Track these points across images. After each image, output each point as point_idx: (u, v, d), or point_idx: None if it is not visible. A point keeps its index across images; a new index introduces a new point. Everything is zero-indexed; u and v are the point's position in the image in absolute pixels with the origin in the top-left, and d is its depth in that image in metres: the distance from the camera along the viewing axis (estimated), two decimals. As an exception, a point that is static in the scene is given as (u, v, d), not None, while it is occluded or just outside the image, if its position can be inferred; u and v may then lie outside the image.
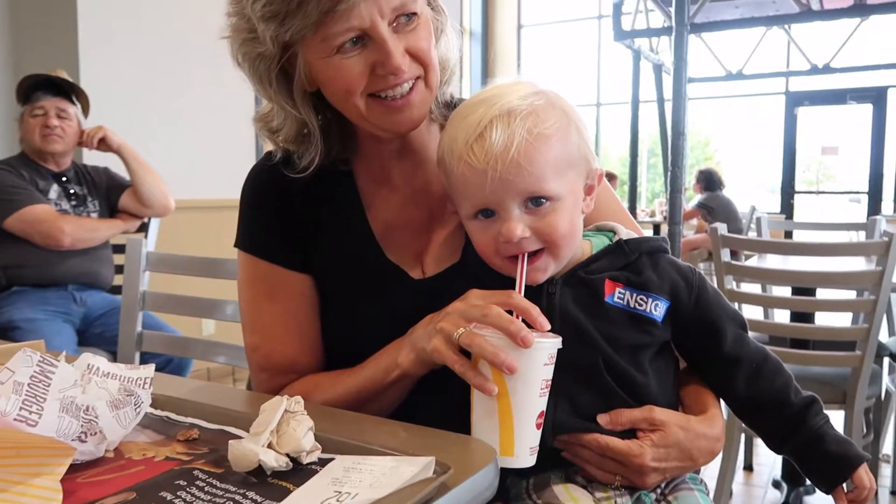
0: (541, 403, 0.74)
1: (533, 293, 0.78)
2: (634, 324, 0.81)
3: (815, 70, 7.82)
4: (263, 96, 0.92)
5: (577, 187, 0.83)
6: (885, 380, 2.60)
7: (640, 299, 0.81)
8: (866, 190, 8.72)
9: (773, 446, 0.87)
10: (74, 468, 0.63)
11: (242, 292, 1.00)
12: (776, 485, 2.61)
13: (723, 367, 0.85)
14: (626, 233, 0.87)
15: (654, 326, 0.81)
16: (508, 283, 0.79)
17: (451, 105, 0.97)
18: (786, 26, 7.73)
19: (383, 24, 0.81)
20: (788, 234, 6.95)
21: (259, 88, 0.90)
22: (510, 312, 0.74)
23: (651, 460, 0.78)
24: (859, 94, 8.66)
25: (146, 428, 0.76)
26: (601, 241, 0.87)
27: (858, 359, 2.04)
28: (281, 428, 0.64)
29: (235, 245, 1.00)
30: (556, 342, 0.73)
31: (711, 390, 0.88)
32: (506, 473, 0.79)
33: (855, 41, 7.62)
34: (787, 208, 8.93)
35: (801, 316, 2.46)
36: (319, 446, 0.66)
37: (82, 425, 0.65)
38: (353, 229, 0.97)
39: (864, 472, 0.81)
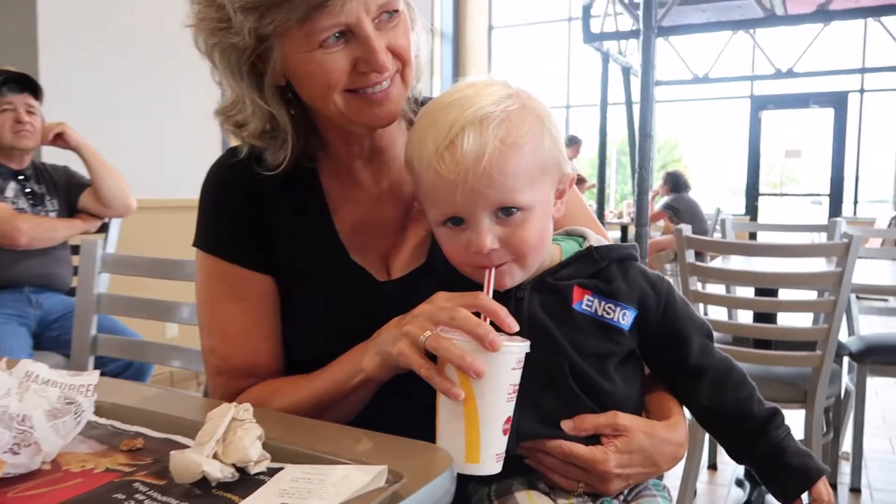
0: (508, 409, 0.72)
1: (501, 298, 0.76)
2: (601, 332, 0.80)
3: (779, 74, 7.97)
4: (232, 89, 0.88)
5: (549, 194, 0.81)
6: (845, 379, 2.65)
7: (608, 307, 0.80)
8: (827, 192, 8.91)
9: (735, 456, 0.86)
10: (5, 482, 0.59)
11: (200, 293, 0.97)
12: (739, 483, 2.64)
13: (688, 376, 0.85)
14: (595, 239, 0.86)
15: (621, 335, 0.80)
16: (476, 287, 0.78)
17: (420, 102, 0.95)
18: (751, 31, 7.87)
19: (368, 20, 0.79)
20: (752, 236, 7.07)
21: (229, 80, 0.87)
22: (478, 315, 0.73)
23: (615, 467, 0.77)
24: (821, 99, 8.85)
25: (89, 438, 0.73)
26: (571, 247, 0.86)
27: (819, 358, 2.07)
28: (227, 437, 0.62)
29: (194, 244, 0.97)
30: (524, 346, 0.72)
31: (675, 398, 0.87)
32: (467, 479, 0.78)
33: (817, 46, 7.78)
34: (752, 210, 9.09)
35: (764, 316, 2.50)
36: (268, 455, 0.64)
37: (15, 436, 0.61)
38: (318, 230, 0.94)
39: (822, 485, 0.80)
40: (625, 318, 0.80)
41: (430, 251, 0.95)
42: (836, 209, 8.71)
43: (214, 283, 0.95)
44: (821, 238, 6.25)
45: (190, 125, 3.70)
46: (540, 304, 0.80)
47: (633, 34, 6.22)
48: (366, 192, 0.97)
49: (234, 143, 0.98)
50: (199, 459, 0.58)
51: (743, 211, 9.05)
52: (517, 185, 0.75)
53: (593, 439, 0.79)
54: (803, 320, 3.06)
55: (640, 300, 0.81)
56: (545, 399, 0.78)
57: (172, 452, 0.60)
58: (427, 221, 0.85)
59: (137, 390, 0.93)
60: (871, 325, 4.57)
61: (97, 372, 0.75)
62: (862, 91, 8.79)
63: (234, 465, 0.60)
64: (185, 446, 0.69)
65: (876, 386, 3.81)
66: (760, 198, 9.31)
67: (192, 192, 1.02)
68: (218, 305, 0.95)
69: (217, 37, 0.83)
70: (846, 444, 2.77)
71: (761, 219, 8.81)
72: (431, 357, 0.73)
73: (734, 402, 0.83)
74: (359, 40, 0.80)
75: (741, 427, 0.84)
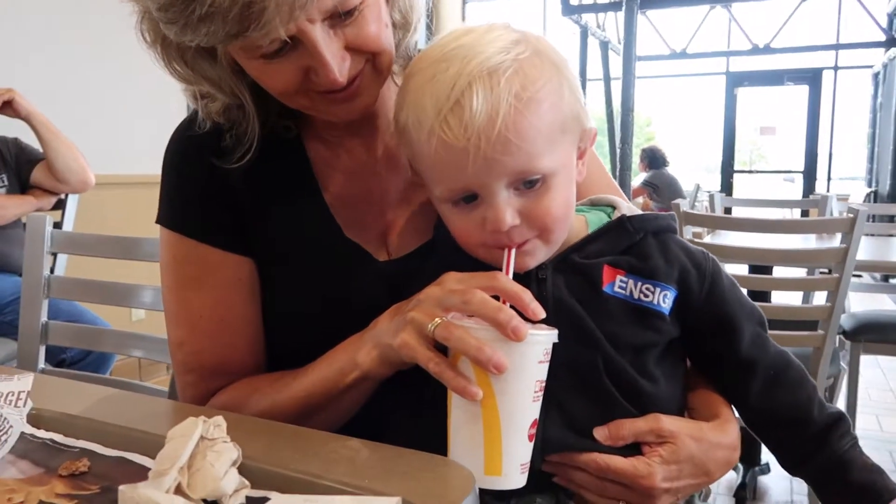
0: (534, 410, 0.60)
1: (520, 279, 0.64)
2: (638, 318, 0.67)
3: (755, 50, 7.93)
4: (176, 78, 0.74)
5: (572, 156, 0.69)
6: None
7: (646, 289, 0.67)
8: (801, 169, 8.92)
9: (789, 467, 0.74)
10: None
11: (166, 277, 0.83)
12: (731, 465, 2.58)
13: (737, 371, 0.72)
14: (627, 208, 0.73)
15: (662, 321, 0.68)
16: (487, 268, 0.65)
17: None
18: (728, 6, 7.80)
19: (314, 27, 0.64)
20: (728, 211, 7.06)
21: (169, 71, 0.73)
22: (496, 299, 0.60)
23: (662, 480, 0.65)
24: (796, 76, 8.82)
25: (22, 458, 0.59)
26: (598, 218, 0.73)
27: (821, 338, 1.99)
28: (195, 463, 0.48)
29: (158, 221, 0.83)
30: (552, 334, 0.60)
31: (721, 394, 0.75)
32: (483, 493, 0.66)
33: (794, 22, 7.75)
34: (727, 187, 9.08)
35: (757, 295, 2.42)
36: (247, 483, 0.50)
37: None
38: (303, 203, 0.81)
39: None
40: (665, 300, 0.68)
41: (435, 227, 0.82)
42: (809, 186, 8.73)
43: (181, 266, 0.81)
44: (794, 214, 6.25)
45: (152, 93, 3.47)
46: (565, 287, 0.67)
47: (613, 6, 6.10)
48: (358, 160, 0.84)
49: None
50: (157, 497, 0.45)
51: (719, 187, 9.04)
52: (537, 149, 0.63)
53: (632, 449, 0.67)
54: (792, 299, 3.00)
55: (681, 279, 0.69)
56: (574, 401, 0.66)
57: (121, 488, 0.46)
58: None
59: (88, 391, 0.78)
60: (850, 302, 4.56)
61: (30, 376, 0.60)
62: (836, 68, 8.77)
63: (203, 502, 0.47)
64: (143, 467, 0.56)
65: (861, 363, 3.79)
66: (734, 175, 9.30)
67: (155, 166, 0.87)
68: (186, 292, 0.81)
69: (150, 23, 0.68)
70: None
71: (736, 195, 8.81)
72: (441, 350, 0.61)
73: (790, 404, 0.71)
74: (305, 48, 0.65)
75: (797, 434, 0.72)
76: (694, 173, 11.08)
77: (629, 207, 0.73)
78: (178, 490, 0.46)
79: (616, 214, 0.72)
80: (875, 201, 7.51)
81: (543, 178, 0.64)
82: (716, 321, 0.71)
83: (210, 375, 0.81)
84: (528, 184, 0.64)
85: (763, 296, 2.41)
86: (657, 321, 0.68)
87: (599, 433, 0.66)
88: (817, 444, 0.70)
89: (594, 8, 6.97)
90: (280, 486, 0.52)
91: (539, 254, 0.67)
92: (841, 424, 0.71)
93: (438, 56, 0.64)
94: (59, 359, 2.13)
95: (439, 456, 0.60)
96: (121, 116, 3.42)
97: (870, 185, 8.29)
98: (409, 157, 0.70)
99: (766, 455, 2.55)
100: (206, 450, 0.49)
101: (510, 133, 0.61)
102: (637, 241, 0.70)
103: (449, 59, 0.63)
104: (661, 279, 0.68)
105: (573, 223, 0.71)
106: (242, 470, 0.52)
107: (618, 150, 4.92)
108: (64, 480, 0.54)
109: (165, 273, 0.83)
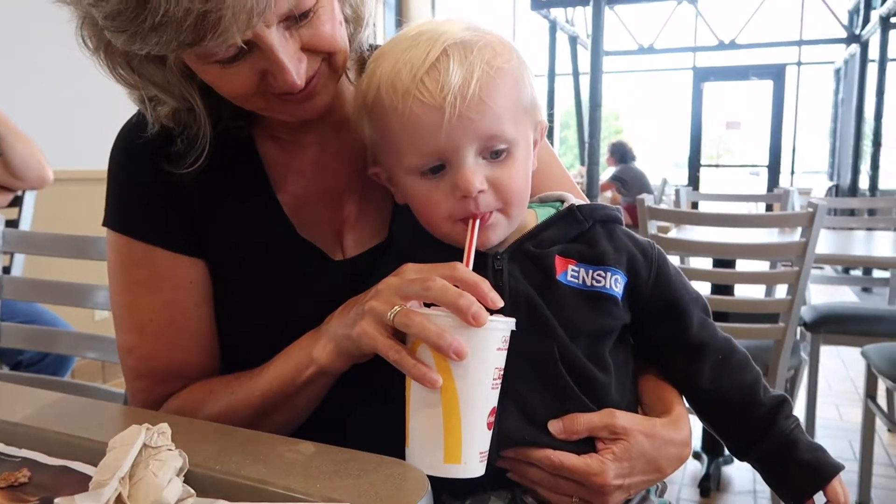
0: (492, 397, 0.61)
1: (476, 270, 0.64)
2: (593, 305, 0.69)
3: (721, 46, 8.04)
4: (121, 84, 0.72)
5: (529, 138, 0.72)
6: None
7: (598, 275, 0.69)
8: (766, 163, 9.07)
9: (736, 451, 0.76)
10: None
11: (114, 281, 0.81)
12: (696, 456, 2.61)
13: (686, 355, 0.74)
14: (576, 201, 0.75)
15: (615, 305, 0.70)
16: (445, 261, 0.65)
17: (371, 48, 0.81)
18: (694, 2, 7.89)
19: (270, 31, 0.63)
20: (695, 205, 7.16)
21: (114, 77, 0.71)
22: None
23: (614, 478, 0.65)
24: (761, 71, 8.96)
25: (-42, 468, 0.56)
26: (546, 213, 0.75)
27: (781, 331, 2.02)
28: (136, 472, 0.47)
29: (105, 224, 0.81)
30: (510, 322, 0.61)
31: (672, 384, 0.76)
32: (438, 492, 0.65)
33: (758, 19, 7.87)
34: (694, 181, 9.20)
35: (721, 289, 2.45)
36: (193, 491, 0.49)
37: None
38: (257, 204, 0.80)
39: (838, 483, 0.71)
40: (617, 284, 0.70)
41: (390, 226, 0.81)
42: (773, 180, 8.89)
43: (130, 270, 0.79)
44: (758, 208, 6.36)
45: (113, 85, 3.39)
46: (521, 276, 0.69)
47: (581, 1, 6.13)
48: (312, 158, 0.83)
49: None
50: (94, 510, 0.43)
51: (686, 182, 9.15)
52: (507, 114, 0.66)
53: (586, 443, 0.67)
54: (755, 292, 3.05)
55: (630, 265, 0.72)
56: (529, 392, 0.67)
57: (57, 501, 0.44)
58: (385, 191, 0.74)
59: (33, 397, 0.75)
60: (811, 294, 4.65)
61: (-32, 383, 0.58)
62: (799, 64, 8.94)
63: (144, 512, 0.46)
64: (86, 477, 0.54)
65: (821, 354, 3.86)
66: (701, 169, 9.42)
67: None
68: (135, 296, 0.79)
69: (92, 29, 0.66)
70: (798, 414, 2.76)
71: (703, 190, 8.92)
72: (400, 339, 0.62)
73: (739, 386, 0.73)
74: (262, 51, 0.65)
75: (746, 416, 0.73)
76: (662, 168, 11.20)
77: (578, 201, 0.76)
78: (119, 501, 0.45)
79: (565, 207, 0.75)
80: (837, 195, 7.67)
81: (508, 148, 0.67)
82: (665, 305, 0.73)
83: (162, 380, 0.80)
84: (495, 154, 0.67)
85: (726, 289, 2.45)
86: (610, 306, 0.70)
87: (554, 427, 0.66)
88: (765, 425, 0.72)
89: (563, 3, 7.01)
90: (228, 493, 0.51)
91: (500, 229, 0.69)
92: (785, 406, 0.73)
93: (409, 36, 0.68)
94: (16, 361, 2.08)
95: (392, 458, 0.60)
96: (79, 110, 3.34)
97: (831, 179, 8.47)
98: (375, 134, 0.71)
99: (730, 445, 2.60)
100: (150, 458, 0.48)
101: (483, 94, 0.64)
102: (586, 230, 0.72)
103: (419, 37, 0.66)
104: (610, 264, 0.70)
105: (525, 216, 0.73)
106: (189, 478, 0.51)
107: (586, 145, 4.94)
108: (2, 492, 0.52)
109: (113, 277, 0.81)
